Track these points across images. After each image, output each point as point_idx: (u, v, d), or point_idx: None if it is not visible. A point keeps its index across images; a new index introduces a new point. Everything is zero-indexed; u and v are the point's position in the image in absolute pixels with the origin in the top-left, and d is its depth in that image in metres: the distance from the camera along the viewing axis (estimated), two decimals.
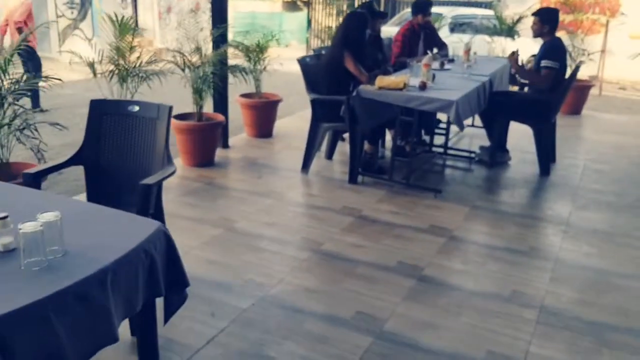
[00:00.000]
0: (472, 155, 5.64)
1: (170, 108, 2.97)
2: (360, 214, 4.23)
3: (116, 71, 4.47)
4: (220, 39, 5.36)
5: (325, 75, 4.84)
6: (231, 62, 5.73)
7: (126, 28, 4.54)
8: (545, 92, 5.05)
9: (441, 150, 5.74)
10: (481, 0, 16.23)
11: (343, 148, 5.53)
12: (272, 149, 5.87)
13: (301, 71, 4.94)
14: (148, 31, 15.12)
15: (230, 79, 5.60)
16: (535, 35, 5.17)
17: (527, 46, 12.06)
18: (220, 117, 5.31)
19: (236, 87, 5.82)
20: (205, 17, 17.37)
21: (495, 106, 5.26)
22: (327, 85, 4.84)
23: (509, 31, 8.56)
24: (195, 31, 6.99)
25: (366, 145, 5.10)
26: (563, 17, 9.63)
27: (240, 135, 6.26)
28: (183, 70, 5.03)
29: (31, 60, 6.89)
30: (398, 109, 4.53)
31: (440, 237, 3.90)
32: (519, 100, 5.23)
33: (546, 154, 5.25)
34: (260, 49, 5.97)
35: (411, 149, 4.79)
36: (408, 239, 3.85)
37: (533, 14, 5.19)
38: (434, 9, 12.44)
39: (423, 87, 4.54)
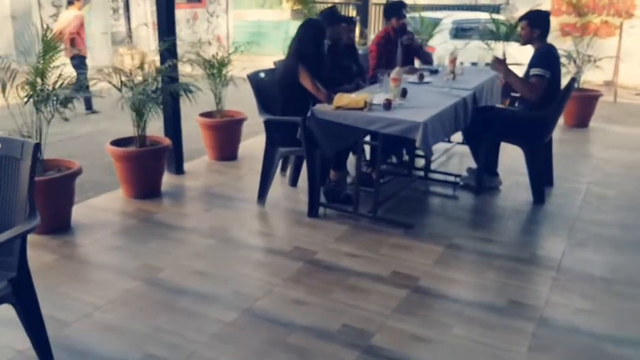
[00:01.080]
0: (458, 179, 4.97)
1: (37, 145, 2.37)
2: (312, 258, 3.58)
3: (34, 95, 3.85)
4: (167, 53, 4.77)
5: (279, 93, 4.22)
6: (187, 79, 5.14)
7: (50, 46, 3.91)
8: (538, 108, 4.38)
9: (422, 173, 5.07)
10: (490, 4, 15.56)
11: None
12: (233, 174, 5.25)
13: (252, 89, 4.32)
14: (142, 43, 14.65)
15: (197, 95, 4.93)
16: (525, 42, 4.51)
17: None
18: (166, 141, 4.70)
19: (201, 105, 5.15)
20: (204, 27, 17.01)
21: (480, 124, 4.59)
22: (282, 105, 4.21)
23: (507, 36, 7.84)
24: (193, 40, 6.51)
25: (331, 172, 4.47)
26: (575, 20, 8.92)
27: (201, 158, 5.65)
28: (119, 89, 4.42)
29: (82, 67, 7.48)
30: (362, 131, 3.89)
31: (401, 288, 3.23)
32: (507, 117, 4.54)
33: (540, 178, 4.56)
34: (220, 63, 5.36)
35: (378, 177, 4.12)
36: (362, 292, 3.19)
37: (520, 18, 4.53)
38: (433, 14, 11.96)
39: (388, 106, 3.89)
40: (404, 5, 5.71)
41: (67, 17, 8.41)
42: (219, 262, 3.55)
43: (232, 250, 3.73)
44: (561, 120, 7.32)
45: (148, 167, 4.52)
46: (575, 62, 7.14)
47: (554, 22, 12.03)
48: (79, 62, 7.98)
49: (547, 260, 3.62)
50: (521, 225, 4.21)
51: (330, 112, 3.88)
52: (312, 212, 4.22)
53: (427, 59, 5.77)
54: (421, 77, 5.02)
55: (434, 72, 5.47)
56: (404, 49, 5.71)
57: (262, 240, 3.93)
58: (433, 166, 5.38)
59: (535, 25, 4.38)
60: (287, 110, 4.15)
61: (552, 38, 5.28)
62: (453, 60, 5.45)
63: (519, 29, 4.54)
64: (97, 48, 13.11)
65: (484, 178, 4.80)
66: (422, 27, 8.43)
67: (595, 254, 3.72)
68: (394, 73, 4.20)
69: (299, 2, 21.76)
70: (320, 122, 3.93)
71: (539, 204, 4.54)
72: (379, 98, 4.06)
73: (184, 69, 5.22)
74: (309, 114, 3.92)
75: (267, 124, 4.30)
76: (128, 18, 14.96)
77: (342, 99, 3.93)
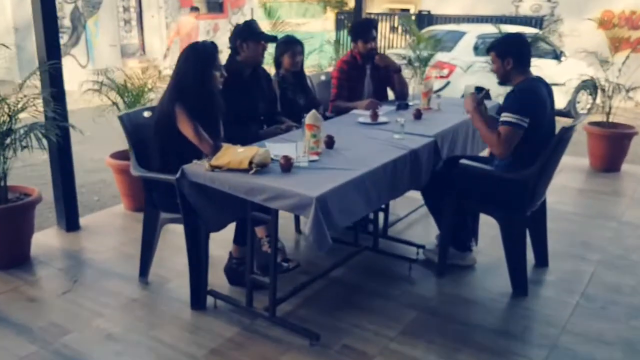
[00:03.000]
0: (419, 252, 3.76)
1: None
2: None
3: None
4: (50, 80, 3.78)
5: (154, 141, 3.14)
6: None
7: None
8: (516, 166, 3.14)
9: (372, 242, 3.87)
10: (532, 15, 14.08)
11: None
12: (140, 231, 4.18)
13: (125, 133, 3.25)
14: (155, 56, 13.92)
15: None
16: (501, 80, 3.30)
17: (574, 69, 9.91)
18: (33, 192, 3.70)
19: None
20: (225, 39, 16.28)
21: (440, 182, 3.39)
22: (159, 157, 3.13)
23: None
24: None
25: (232, 246, 3.36)
26: (629, 34, 7.46)
27: (115, 207, 4.64)
28: None
29: None
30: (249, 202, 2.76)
31: None
32: (475, 176, 3.30)
33: (519, 262, 3.30)
34: (139, 90, 4.34)
35: (274, 259, 2.94)
36: None
37: (487, 50, 3.32)
38: (457, 27, 10.61)
39: (285, 166, 2.75)
40: (373, 24, 4.56)
41: (188, 23, 8.67)
42: None
43: None
44: (586, 162, 5.93)
45: (8, 228, 3.53)
46: (604, 92, 5.74)
47: (603, 36, 10.56)
48: None
49: None
50: (485, 334, 2.96)
51: (204, 174, 2.77)
52: (196, 303, 3.11)
53: (402, 90, 4.57)
54: (375, 115, 3.84)
55: (404, 107, 4.27)
56: (375, 76, 4.55)
57: (106, 350, 2.83)
58: (396, 228, 4.18)
59: (506, 54, 3.17)
60: (165, 165, 3.07)
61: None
62: (427, 93, 4.26)
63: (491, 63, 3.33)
64: (103, 61, 12.44)
65: (451, 254, 3.57)
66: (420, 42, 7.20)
67: None
68: (309, 117, 3.05)
69: (334, 9, 20.69)
70: (194, 186, 2.82)
71: (518, 296, 3.28)
72: (287, 149, 2.93)
73: None
74: (178, 174, 2.83)
75: (144, 181, 3.23)
76: (141, 30, 14.29)
77: (225, 154, 2.81)
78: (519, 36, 3.38)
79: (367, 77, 4.56)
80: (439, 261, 3.53)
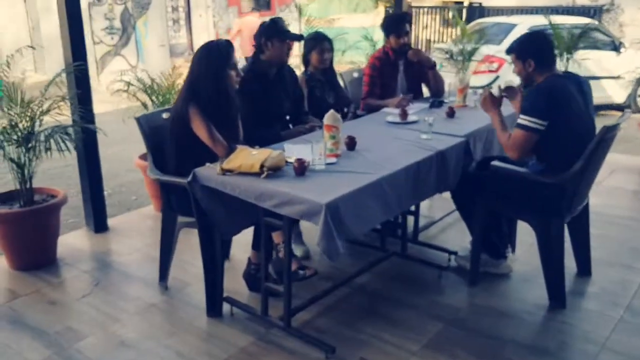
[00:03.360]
0: (451, 258, 3.56)
1: None
2: None
3: None
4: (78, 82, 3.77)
5: (170, 143, 3.06)
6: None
7: None
8: (554, 169, 2.90)
9: (401, 245, 3.68)
10: (591, 5, 13.44)
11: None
12: None
13: (142, 136, 3.19)
14: None
15: None
16: (525, 82, 3.07)
17: (634, 61, 9.34)
18: (59, 194, 3.70)
19: None
20: None
21: (471, 185, 3.18)
22: (175, 160, 3.05)
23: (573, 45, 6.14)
24: None
25: (251, 252, 3.25)
26: None
27: (145, 208, 4.63)
28: None
29: None
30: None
31: None
32: (509, 179, 3.07)
33: (557, 270, 3.05)
34: (167, 90, 4.30)
35: (288, 267, 2.81)
36: None
37: (507, 52, 3.11)
38: (507, 19, 10.18)
39: (299, 169, 2.62)
40: (405, 19, 4.35)
41: (251, 22, 9.03)
42: None
43: None
44: None
45: (36, 229, 3.54)
46: None
47: None
48: None
49: None
50: (516, 349, 2.74)
51: (215, 178, 2.67)
52: (212, 310, 3.02)
53: (437, 86, 4.35)
54: (404, 114, 3.66)
55: (437, 104, 4.06)
56: (409, 72, 4.36)
57: (118, 357, 2.76)
58: (428, 233, 3.98)
59: (526, 55, 2.96)
60: (181, 168, 2.98)
61: None
62: (462, 89, 4.05)
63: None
64: (153, 61, 12.64)
65: (484, 261, 3.36)
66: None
67: None
68: (327, 117, 2.91)
69: (385, 3, 20.33)
70: (206, 190, 2.73)
71: (555, 308, 3.04)
72: (303, 152, 2.80)
73: None
74: (190, 177, 2.74)
75: (161, 184, 3.16)
76: (189, 29, 14.44)
77: (237, 157, 2.70)
78: (538, 34, 3.19)
79: (400, 74, 4.37)
80: (471, 269, 3.32)
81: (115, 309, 3.13)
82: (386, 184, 2.64)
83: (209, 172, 2.71)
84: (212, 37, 14.39)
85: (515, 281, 3.36)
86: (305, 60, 4.05)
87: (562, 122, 2.79)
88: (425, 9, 15.38)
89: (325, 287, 3.19)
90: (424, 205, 4.08)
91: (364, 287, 3.32)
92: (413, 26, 11.89)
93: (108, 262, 3.72)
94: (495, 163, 3.08)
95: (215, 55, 2.94)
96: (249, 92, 3.37)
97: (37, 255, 3.61)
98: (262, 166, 2.59)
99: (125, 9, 12.57)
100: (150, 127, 3.19)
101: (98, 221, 4.09)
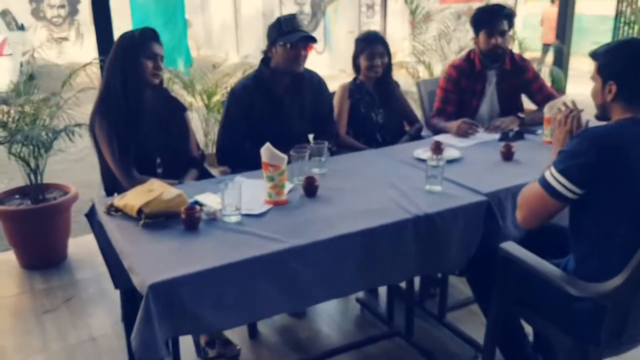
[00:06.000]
0: (477, 356, 2.55)
1: None
2: None
3: None
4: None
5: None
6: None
7: None
8: (600, 267, 1.78)
9: (410, 324, 2.72)
10: None
11: None
12: None
13: None
14: (393, 42, 13.36)
15: None
16: (599, 112, 1.93)
17: None
18: (70, 190, 3.51)
19: None
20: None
21: (489, 265, 2.16)
22: (102, 182, 2.59)
23: None
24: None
25: None
26: None
27: None
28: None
29: None
30: None
31: None
32: (523, 274, 1.98)
33: None
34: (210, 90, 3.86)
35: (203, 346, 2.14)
36: None
37: (590, 55, 1.92)
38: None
39: (188, 222, 1.95)
40: (504, 12, 3.24)
41: (553, 13, 8.80)
42: None
43: None
44: None
45: (45, 227, 3.40)
46: None
47: None
48: None
49: None
50: None
51: (101, 215, 2.14)
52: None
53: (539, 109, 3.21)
54: (437, 149, 2.68)
55: (516, 136, 2.96)
56: (504, 88, 3.31)
57: None
58: (457, 314, 2.93)
59: (610, 73, 1.80)
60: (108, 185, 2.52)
61: None
62: (550, 119, 2.91)
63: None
64: (341, 47, 12.41)
65: None
66: None
67: None
68: (262, 152, 2.16)
69: None
70: (101, 227, 2.21)
71: None
72: (211, 197, 2.12)
73: None
74: (88, 209, 2.25)
75: None
76: (384, 14, 13.83)
77: (132, 193, 2.12)
78: (636, 42, 1.91)
79: (489, 88, 3.31)
80: None
81: (61, 333, 2.81)
82: (295, 260, 1.83)
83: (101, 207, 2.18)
84: (406, 24, 13.65)
85: None
86: (355, 66, 3.27)
87: (611, 197, 1.68)
88: None
89: None
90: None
91: None
92: None
93: (103, 272, 3.43)
94: (508, 245, 2.01)
95: (126, 44, 2.38)
96: (237, 105, 2.76)
97: (46, 253, 3.48)
98: (139, 210, 1.98)
99: None
100: None
101: None
